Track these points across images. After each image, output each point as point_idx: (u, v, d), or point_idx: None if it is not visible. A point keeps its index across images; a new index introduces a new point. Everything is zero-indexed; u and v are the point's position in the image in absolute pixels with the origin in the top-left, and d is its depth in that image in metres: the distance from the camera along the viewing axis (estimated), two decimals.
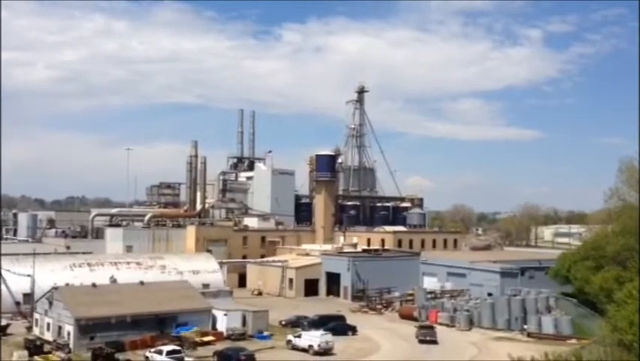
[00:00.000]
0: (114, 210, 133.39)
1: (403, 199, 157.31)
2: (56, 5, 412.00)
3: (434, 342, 65.44)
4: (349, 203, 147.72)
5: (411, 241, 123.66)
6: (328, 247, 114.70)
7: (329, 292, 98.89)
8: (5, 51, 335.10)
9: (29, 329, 65.77)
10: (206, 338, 62.09)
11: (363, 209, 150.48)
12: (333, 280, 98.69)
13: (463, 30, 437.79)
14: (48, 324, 62.40)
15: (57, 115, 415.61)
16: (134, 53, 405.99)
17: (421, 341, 65.73)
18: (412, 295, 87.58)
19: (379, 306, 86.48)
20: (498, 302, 75.88)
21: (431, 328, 68.80)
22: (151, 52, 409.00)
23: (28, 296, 71.60)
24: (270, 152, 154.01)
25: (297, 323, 71.07)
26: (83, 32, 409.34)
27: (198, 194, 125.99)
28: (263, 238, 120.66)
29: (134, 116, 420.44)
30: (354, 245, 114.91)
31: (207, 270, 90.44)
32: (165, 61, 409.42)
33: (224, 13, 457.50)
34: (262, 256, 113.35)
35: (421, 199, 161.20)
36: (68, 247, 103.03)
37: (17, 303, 73.67)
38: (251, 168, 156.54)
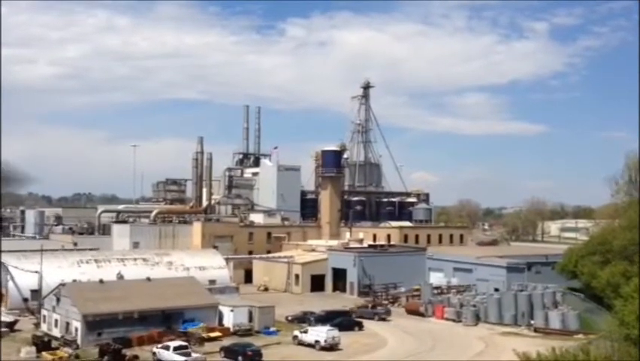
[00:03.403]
0: (121, 207, 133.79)
1: (408, 194, 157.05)
2: (58, 1, 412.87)
3: (384, 320, 73.57)
4: (355, 198, 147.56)
5: (417, 237, 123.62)
6: (334, 242, 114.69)
7: (335, 288, 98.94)
8: (7, 48, 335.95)
9: (37, 325, 65.93)
10: (212, 334, 62.21)
11: (369, 204, 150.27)
12: (340, 275, 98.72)
13: (467, 24, 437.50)
14: (56, 320, 62.60)
15: (60, 112, 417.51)
16: (137, 48, 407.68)
17: (380, 320, 73.43)
18: (418, 290, 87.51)
19: (385, 301, 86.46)
20: (504, 297, 75.75)
21: (381, 305, 77.38)
22: (154, 48, 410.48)
23: (36, 293, 71.86)
24: (276, 148, 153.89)
25: (303, 319, 71.12)
26: (85, 28, 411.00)
27: (204, 190, 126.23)
28: (269, 234, 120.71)
29: (138, 113, 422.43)
30: (360, 241, 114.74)
31: (213, 266, 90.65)
32: (168, 57, 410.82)
33: (227, 8, 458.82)
34: (268, 252, 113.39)
35: (427, 194, 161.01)
36: (75, 244, 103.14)
37: (25, 299, 74.01)
38: (256, 164, 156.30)
